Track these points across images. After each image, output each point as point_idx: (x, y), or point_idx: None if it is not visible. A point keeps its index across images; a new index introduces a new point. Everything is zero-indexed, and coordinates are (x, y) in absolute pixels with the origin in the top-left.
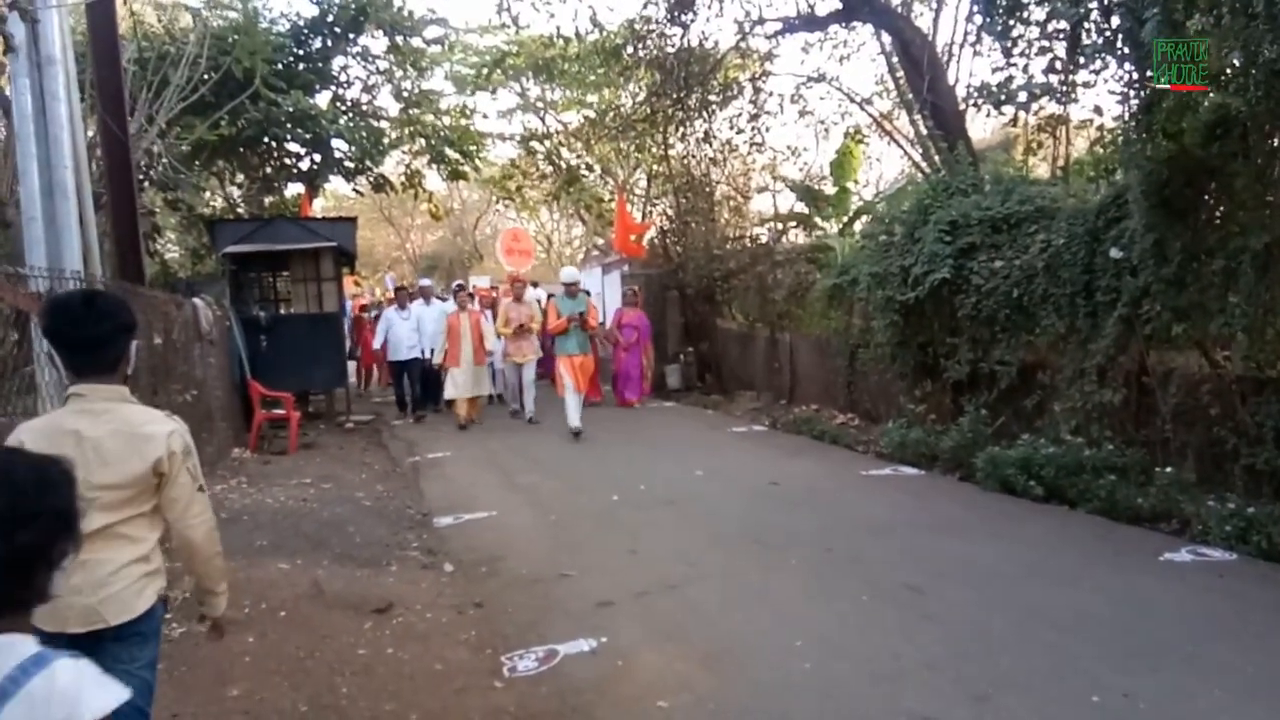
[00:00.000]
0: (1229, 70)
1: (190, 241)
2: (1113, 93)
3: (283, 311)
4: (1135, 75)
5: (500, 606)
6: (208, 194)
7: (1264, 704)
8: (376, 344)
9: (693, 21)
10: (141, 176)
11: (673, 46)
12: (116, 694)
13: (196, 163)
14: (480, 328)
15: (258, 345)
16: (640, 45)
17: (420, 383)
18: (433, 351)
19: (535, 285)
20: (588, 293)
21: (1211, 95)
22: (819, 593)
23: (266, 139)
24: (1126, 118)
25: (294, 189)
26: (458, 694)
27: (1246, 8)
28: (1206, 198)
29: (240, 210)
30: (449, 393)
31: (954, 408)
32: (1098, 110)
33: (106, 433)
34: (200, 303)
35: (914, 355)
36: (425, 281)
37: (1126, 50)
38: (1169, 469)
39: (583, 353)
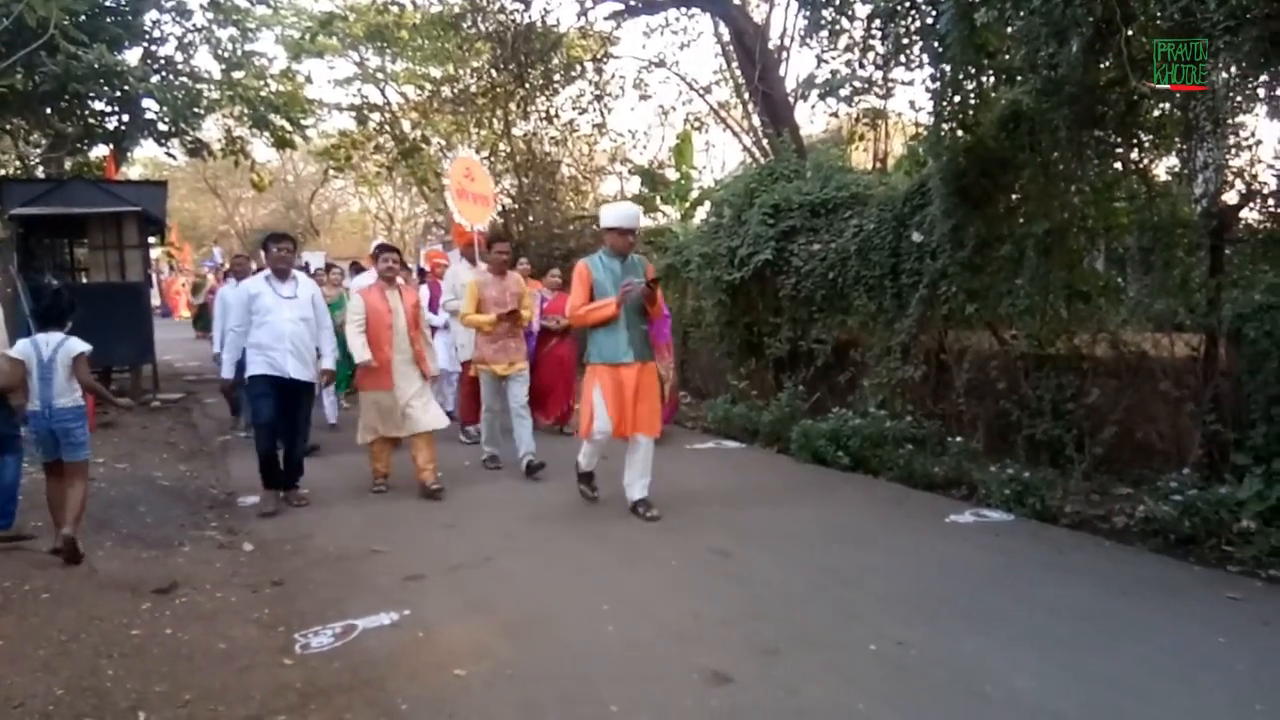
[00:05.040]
0: (1020, 66)
1: None
2: (928, 90)
3: (81, 280)
4: (936, 68)
5: (301, 584)
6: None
7: (1024, 647)
8: (227, 353)
9: None
10: None
11: (513, 21)
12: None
13: None
14: (420, 316)
15: None
16: (480, 18)
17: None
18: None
19: (360, 269)
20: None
21: (1003, 90)
22: (632, 561)
23: (67, 95)
24: (931, 110)
25: (100, 151)
26: (240, 673)
27: (1026, 2)
28: (999, 187)
29: (39, 172)
30: (366, 433)
31: (775, 384)
32: (912, 105)
33: None
34: None
35: (739, 334)
36: None
37: (935, 44)
38: (960, 439)
39: (640, 360)
